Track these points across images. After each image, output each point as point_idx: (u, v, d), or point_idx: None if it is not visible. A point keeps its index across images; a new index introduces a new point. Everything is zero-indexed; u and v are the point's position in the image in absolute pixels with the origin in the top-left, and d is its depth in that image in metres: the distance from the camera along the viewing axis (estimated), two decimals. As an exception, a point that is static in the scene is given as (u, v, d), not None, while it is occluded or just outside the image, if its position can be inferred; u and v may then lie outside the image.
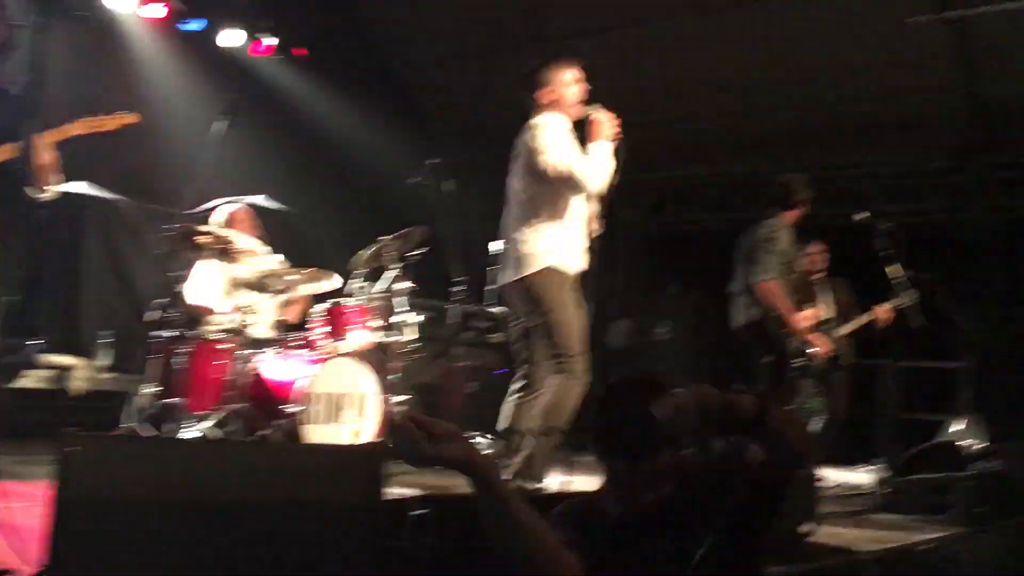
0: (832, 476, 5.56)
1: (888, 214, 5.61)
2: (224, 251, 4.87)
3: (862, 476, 5.70)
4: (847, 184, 8.01)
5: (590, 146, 4.10)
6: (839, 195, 7.96)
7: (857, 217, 5.73)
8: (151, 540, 2.03)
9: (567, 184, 4.03)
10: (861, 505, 4.96)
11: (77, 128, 4.06)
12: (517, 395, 4.19)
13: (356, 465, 2.41)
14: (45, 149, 3.86)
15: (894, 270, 5.67)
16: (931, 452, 5.21)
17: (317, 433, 4.71)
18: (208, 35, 7.21)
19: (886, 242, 5.59)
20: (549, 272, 4.08)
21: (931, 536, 4.03)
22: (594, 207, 4.26)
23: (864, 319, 5.98)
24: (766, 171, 8.03)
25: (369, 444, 4.74)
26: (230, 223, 5.71)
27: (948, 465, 4.78)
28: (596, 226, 4.31)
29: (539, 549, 1.71)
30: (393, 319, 5.38)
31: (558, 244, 4.10)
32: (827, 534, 3.81)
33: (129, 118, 4.31)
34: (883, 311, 5.91)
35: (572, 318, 4.08)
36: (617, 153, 4.12)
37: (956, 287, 6.04)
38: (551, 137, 4.06)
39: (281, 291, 5.04)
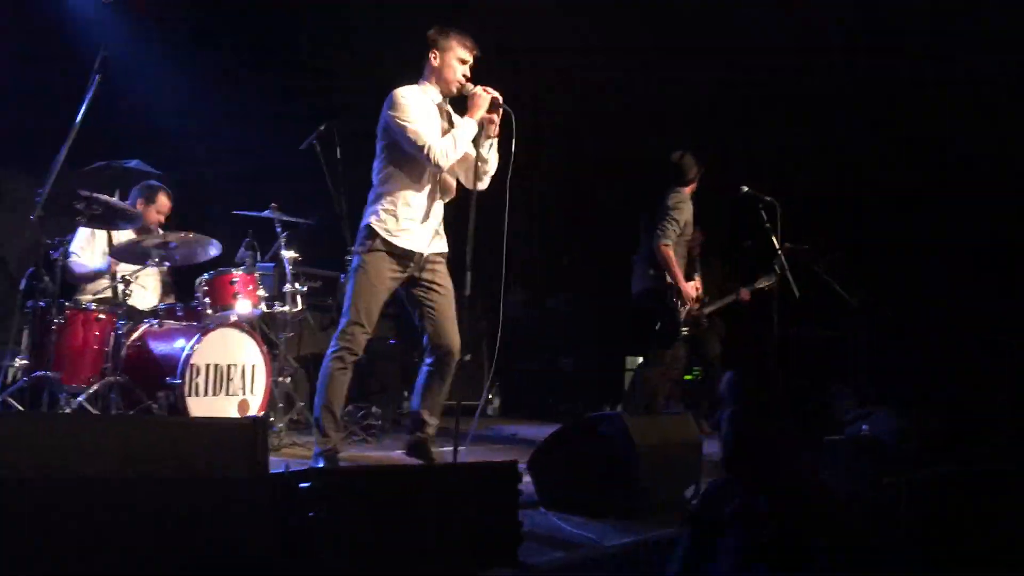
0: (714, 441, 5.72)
1: (770, 188, 5.75)
2: (104, 217, 4.62)
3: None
4: (733, 158, 8.18)
5: (459, 121, 4.07)
6: (725, 169, 8.13)
7: (742, 191, 5.86)
8: (23, 522, 1.91)
9: (417, 151, 3.96)
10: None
11: None
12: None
13: (240, 438, 2.33)
14: None
15: (773, 242, 5.84)
16: (811, 416, 5.39)
17: (202, 405, 4.58)
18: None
19: (766, 215, 5.74)
20: (371, 232, 4.03)
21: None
22: (447, 189, 4.21)
23: (728, 299, 6.36)
24: (660, 146, 8.16)
25: (254, 416, 4.65)
26: (150, 202, 5.44)
27: (826, 429, 4.95)
28: (449, 198, 4.24)
29: None
30: (281, 289, 5.27)
31: (390, 214, 4.04)
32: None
33: None
34: (745, 293, 6.29)
35: (366, 287, 4.00)
36: (506, 136, 4.09)
37: (837, 258, 6.26)
38: (408, 101, 4.01)
39: (163, 259, 4.85)
